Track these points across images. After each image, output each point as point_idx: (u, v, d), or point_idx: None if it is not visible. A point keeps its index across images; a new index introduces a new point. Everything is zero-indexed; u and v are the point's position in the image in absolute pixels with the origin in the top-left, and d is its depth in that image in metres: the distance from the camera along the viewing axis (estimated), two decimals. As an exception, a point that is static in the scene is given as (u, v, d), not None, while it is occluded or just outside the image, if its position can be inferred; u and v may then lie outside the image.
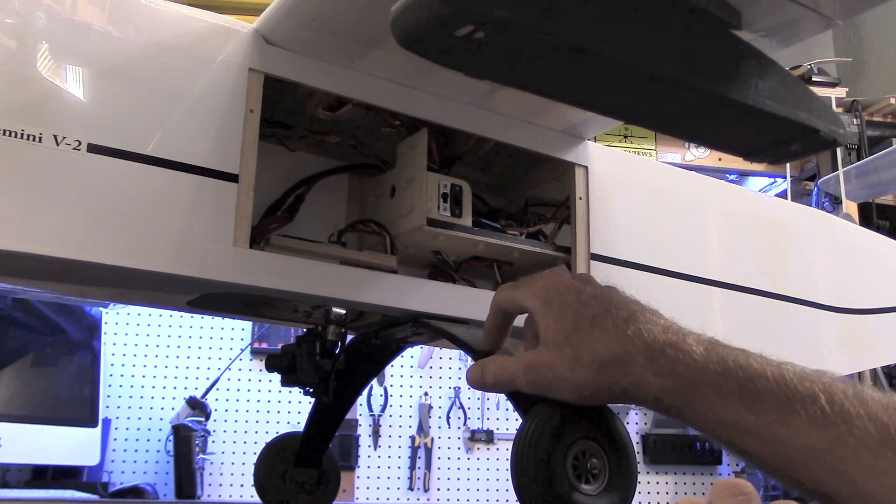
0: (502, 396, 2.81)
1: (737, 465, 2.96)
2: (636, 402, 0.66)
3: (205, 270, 0.80)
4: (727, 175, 3.01)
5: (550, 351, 0.67)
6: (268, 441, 1.16)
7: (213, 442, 2.52)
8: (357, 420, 2.70)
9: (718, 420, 0.60)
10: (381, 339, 1.07)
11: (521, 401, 0.82)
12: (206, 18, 0.86)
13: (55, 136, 0.74)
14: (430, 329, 0.94)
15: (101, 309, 2.36)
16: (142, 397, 2.55)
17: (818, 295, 1.32)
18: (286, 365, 0.99)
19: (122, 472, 2.45)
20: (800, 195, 3.00)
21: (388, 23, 0.59)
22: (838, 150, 2.70)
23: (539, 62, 0.62)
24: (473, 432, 2.81)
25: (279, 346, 2.16)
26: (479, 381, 0.75)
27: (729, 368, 0.60)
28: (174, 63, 0.82)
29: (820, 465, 0.54)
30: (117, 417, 2.50)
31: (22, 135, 0.73)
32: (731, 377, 0.59)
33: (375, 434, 2.72)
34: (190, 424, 2.41)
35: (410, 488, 2.71)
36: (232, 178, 0.82)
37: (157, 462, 2.49)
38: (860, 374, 2.58)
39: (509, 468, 0.76)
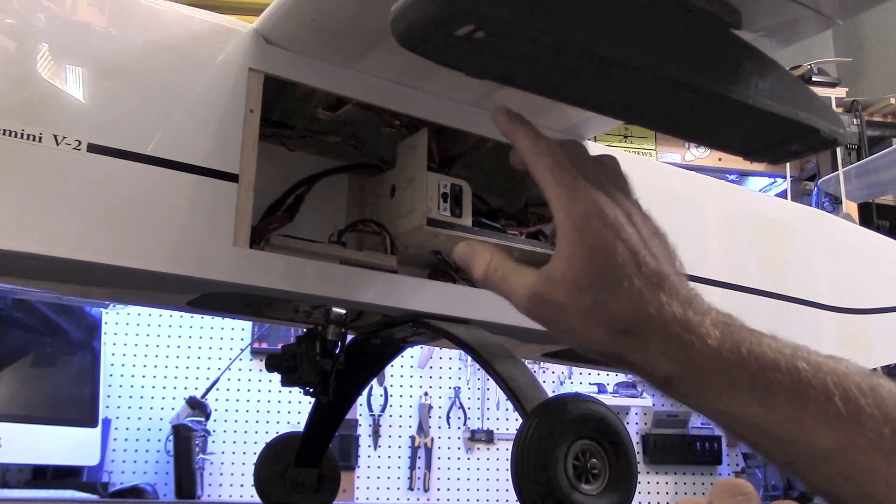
0: (502, 396, 2.81)
1: (737, 465, 2.96)
2: (642, 377, 0.62)
3: (205, 270, 0.80)
4: (727, 175, 3.01)
5: (566, 291, 0.59)
6: (268, 441, 1.16)
7: (213, 442, 2.52)
8: (357, 420, 2.70)
9: (727, 412, 0.57)
10: (381, 339, 1.07)
11: (521, 401, 0.82)
12: (206, 18, 0.86)
13: (55, 136, 0.74)
14: (430, 329, 0.94)
15: (101, 309, 2.36)
16: (142, 397, 2.55)
17: (818, 295, 1.32)
18: (286, 365, 0.99)
19: (122, 472, 2.45)
20: (800, 195, 3.00)
21: (388, 22, 0.59)
22: (838, 150, 2.70)
23: (539, 62, 0.62)
24: (473, 432, 2.81)
25: (279, 346, 2.16)
26: (465, 265, 0.65)
27: (742, 358, 0.56)
28: (174, 63, 0.82)
29: (831, 468, 0.52)
30: (117, 417, 2.50)
31: (22, 135, 0.73)
32: (743, 367, 0.56)
33: (375, 434, 2.72)
34: (190, 424, 2.42)
35: (410, 488, 2.72)
36: (232, 178, 0.82)
37: (157, 462, 2.49)
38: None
39: (509, 468, 0.76)
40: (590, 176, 0.61)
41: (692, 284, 0.62)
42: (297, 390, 1.00)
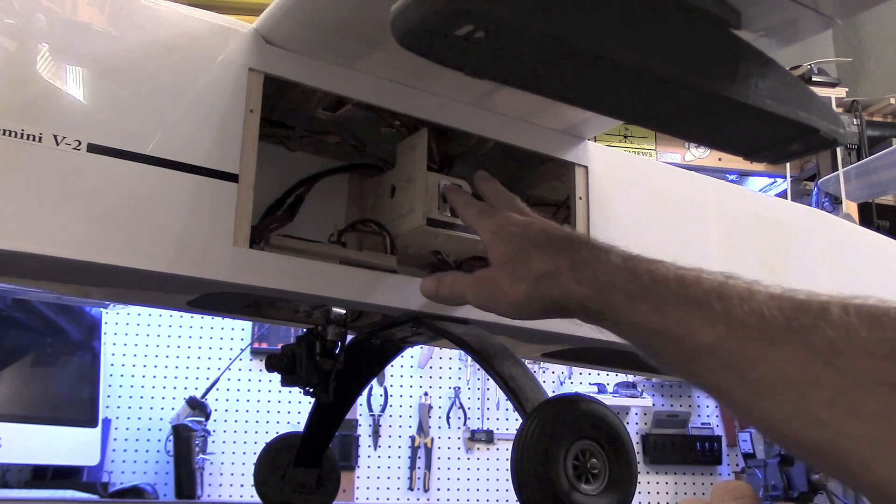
0: (502, 396, 2.81)
1: (737, 465, 2.96)
2: (566, 314, 0.72)
3: (205, 270, 0.80)
4: (727, 175, 3.01)
5: (497, 268, 0.77)
6: (268, 441, 1.16)
7: (213, 442, 2.52)
8: (357, 420, 2.70)
9: (631, 322, 0.66)
10: (381, 339, 1.07)
11: (521, 401, 0.82)
12: (206, 18, 0.86)
13: (55, 136, 0.74)
14: (430, 329, 0.94)
15: (101, 309, 2.36)
16: (142, 397, 2.55)
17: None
18: (286, 365, 0.99)
19: (122, 472, 2.45)
20: (800, 195, 3.00)
21: (389, 22, 0.59)
22: (838, 150, 2.70)
23: (539, 62, 0.62)
24: (473, 432, 2.81)
25: (279, 346, 2.16)
26: (433, 291, 0.83)
27: (638, 274, 0.66)
28: (174, 63, 0.82)
29: (714, 360, 0.59)
30: (117, 417, 2.50)
31: (22, 135, 0.73)
32: (639, 282, 0.66)
33: (375, 434, 2.72)
34: (190, 424, 2.42)
35: (410, 488, 2.72)
36: (232, 178, 0.82)
37: (157, 462, 2.49)
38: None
39: (509, 468, 0.76)
40: (503, 208, 0.84)
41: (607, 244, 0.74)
42: (296, 390, 1.00)
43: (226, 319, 2.56)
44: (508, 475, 0.75)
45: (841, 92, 3.02)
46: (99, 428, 2.25)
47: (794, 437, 0.54)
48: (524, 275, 0.73)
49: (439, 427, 2.81)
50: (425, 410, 2.79)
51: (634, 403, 2.89)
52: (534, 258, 0.73)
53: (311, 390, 0.99)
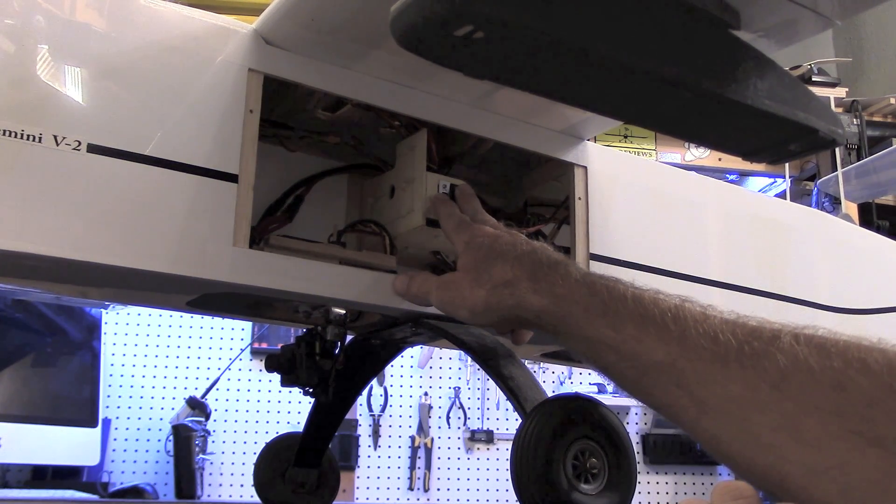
0: (502, 396, 2.81)
1: (737, 465, 2.96)
2: (524, 324, 0.75)
3: (205, 270, 0.80)
4: (727, 175, 3.01)
5: (461, 273, 0.79)
6: (268, 441, 1.17)
7: (213, 442, 2.53)
8: (357, 420, 2.70)
9: (586, 336, 0.67)
10: (380, 340, 1.07)
11: (520, 400, 0.82)
12: (206, 19, 0.86)
13: (55, 136, 0.74)
14: (429, 329, 0.95)
15: (101, 309, 2.37)
16: (142, 397, 2.55)
17: (818, 295, 1.32)
18: (286, 365, 0.99)
19: (122, 472, 2.46)
20: (800, 195, 3.00)
21: (388, 23, 0.59)
22: (838, 150, 2.70)
23: (539, 62, 0.62)
24: (473, 432, 2.81)
25: (279, 346, 2.16)
26: (403, 289, 0.86)
27: (596, 291, 0.67)
28: (174, 63, 0.82)
29: (666, 378, 0.60)
30: (117, 417, 2.50)
31: (22, 135, 0.73)
32: (596, 298, 0.67)
33: (375, 434, 2.73)
34: (190, 424, 2.42)
35: (410, 488, 2.72)
36: (232, 178, 0.82)
37: (157, 462, 2.50)
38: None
39: (509, 468, 0.76)
40: (478, 222, 0.85)
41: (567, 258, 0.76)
42: (296, 390, 1.00)
43: (226, 319, 2.56)
44: (508, 475, 0.75)
45: (841, 92, 3.02)
46: (99, 428, 2.26)
47: (738, 457, 0.55)
48: (484, 281, 0.75)
49: (439, 427, 2.81)
50: (425, 410, 2.79)
51: (634, 403, 2.89)
52: (495, 266, 0.75)
53: (311, 390, 0.99)
